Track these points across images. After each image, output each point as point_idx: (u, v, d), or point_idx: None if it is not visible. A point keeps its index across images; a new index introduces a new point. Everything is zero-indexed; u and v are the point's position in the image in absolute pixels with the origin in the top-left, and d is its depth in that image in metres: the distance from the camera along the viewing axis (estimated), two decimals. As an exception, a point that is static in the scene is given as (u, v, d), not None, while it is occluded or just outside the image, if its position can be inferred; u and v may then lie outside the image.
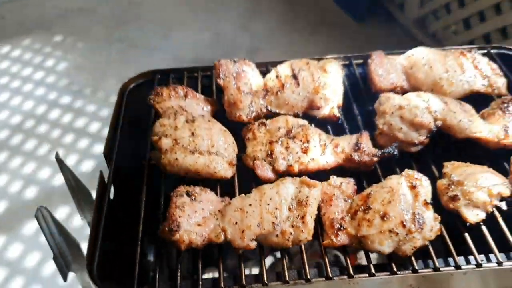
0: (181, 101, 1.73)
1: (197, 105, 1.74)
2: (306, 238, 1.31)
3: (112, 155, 1.63)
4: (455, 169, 1.44)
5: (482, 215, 1.36)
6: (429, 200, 1.34)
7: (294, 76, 1.72)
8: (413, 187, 1.34)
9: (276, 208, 1.33)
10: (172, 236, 1.29)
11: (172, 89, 1.74)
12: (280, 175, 1.50)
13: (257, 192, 1.38)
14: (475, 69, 1.76)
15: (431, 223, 1.31)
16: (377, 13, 4.94)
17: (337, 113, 1.70)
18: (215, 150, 1.53)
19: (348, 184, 1.43)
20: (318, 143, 1.54)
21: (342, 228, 1.32)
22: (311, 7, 5.14)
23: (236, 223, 1.32)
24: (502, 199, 1.39)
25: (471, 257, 1.32)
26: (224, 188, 1.52)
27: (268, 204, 1.34)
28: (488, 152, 1.57)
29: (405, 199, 1.32)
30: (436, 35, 4.54)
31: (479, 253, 1.30)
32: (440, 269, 1.28)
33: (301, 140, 1.54)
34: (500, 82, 1.75)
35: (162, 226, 1.32)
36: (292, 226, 1.31)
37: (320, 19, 4.98)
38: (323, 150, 1.53)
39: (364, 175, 1.52)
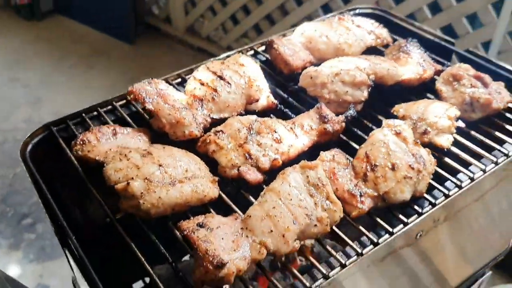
0: (113, 141, 1.48)
1: (132, 138, 1.51)
2: (339, 216, 1.27)
3: (65, 231, 1.31)
4: (409, 109, 1.56)
5: (451, 138, 1.51)
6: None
7: (221, 77, 1.63)
8: (398, 134, 1.41)
9: (301, 200, 1.26)
10: (219, 273, 1.11)
11: (97, 130, 1.48)
12: (265, 173, 1.42)
13: (270, 193, 1.28)
14: (359, 28, 1.93)
15: (428, 158, 1.40)
16: (148, 31, 5.24)
17: (274, 100, 1.68)
18: (190, 174, 1.36)
19: (338, 155, 1.42)
20: (285, 129, 1.50)
21: (362, 193, 1.32)
22: (77, 42, 5.14)
23: (271, 230, 1.20)
24: (456, 119, 1.56)
25: (461, 176, 1.45)
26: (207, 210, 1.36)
27: (291, 199, 1.25)
28: (410, 91, 1.74)
29: (399, 146, 1.39)
30: (210, 37, 4.98)
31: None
32: (450, 193, 1.38)
33: (268, 133, 1.47)
34: (384, 33, 1.95)
35: (200, 270, 1.12)
36: (325, 210, 1.26)
37: (92, 51, 5.01)
38: (295, 134, 1.49)
39: (333, 145, 1.53)
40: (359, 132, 1.58)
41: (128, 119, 1.64)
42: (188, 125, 1.50)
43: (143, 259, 1.23)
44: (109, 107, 1.71)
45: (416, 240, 1.37)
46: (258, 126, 1.50)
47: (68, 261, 1.38)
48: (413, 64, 1.74)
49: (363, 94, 1.62)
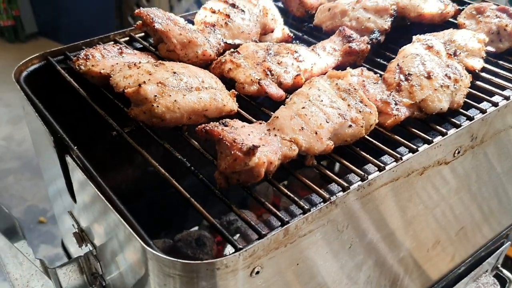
0: (119, 59, 1.35)
1: (139, 58, 1.39)
2: (375, 120, 1.15)
3: (66, 143, 1.16)
4: (436, 36, 1.47)
5: (482, 61, 1.42)
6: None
7: (233, 5, 1.53)
8: (430, 47, 1.32)
9: (333, 102, 1.14)
10: (249, 161, 0.97)
11: (102, 48, 1.36)
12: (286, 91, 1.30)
13: (298, 96, 1.15)
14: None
15: (463, 71, 1.30)
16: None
17: (289, 32, 1.58)
18: (207, 85, 1.23)
19: (366, 71, 1.31)
20: (306, 50, 1.39)
21: (397, 102, 1.21)
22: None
23: (302, 128, 1.07)
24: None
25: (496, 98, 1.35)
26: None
27: (322, 101, 1.13)
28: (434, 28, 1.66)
29: (432, 58, 1.29)
30: None
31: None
32: (487, 110, 1.28)
33: (288, 53, 1.37)
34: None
35: (226, 160, 0.98)
36: (360, 112, 1.14)
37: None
38: (317, 54, 1.38)
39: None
40: (383, 62, 1.48)
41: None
42: (201, 44, 1.38)
43: (157, 165, 1.08)
44: (111, 43, 1.58)
45: (454, 158, 1.25)
46: (276, 48, 1.39)
47: (67, 182, 1.22)
48: (433, 1, 1.66)
49: (386, 23, 1.53)
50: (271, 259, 0.95)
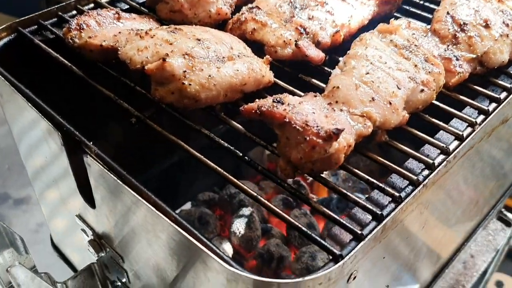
0: (119, 26, 1.10)
1: (140, 23, 1.14)
2: (443, 80, 1.00)
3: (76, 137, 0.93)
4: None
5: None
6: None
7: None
8: (478, -8, 1.16)
9: (397, 63, 0.97)
10: (329, 147, 0.80)
11: (96, 14, 1.10)
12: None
13: (355, 60, 0.97)
14: None
15: (517, 16, 1.17)
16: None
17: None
18: (237, 52, 1.03)
19: (412, 22, 1.15)
20: (337, 1, 1.20)
21: (458, 58, 1.06)
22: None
23: (373, 98, 0.90)
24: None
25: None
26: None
27: (385, 62, 0.96)
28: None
29: (484, 4, 1.14)
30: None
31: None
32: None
33: (316, 5, 1.17)
34: None
35: (299, 149, 0.80)
36: (429, 73, 0.98)
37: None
38: (351, 5, 1.20)
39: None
40: (419, 11, 1.31)
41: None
42: (213, 1, 1.16)
43: (205, 159, 0.89)
44: (91, 5, 1.31)
45: (513, 114, 1.14)
46: (300, 1, 1.18)
47: (81, 186, 1.00)
48: None
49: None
50: (365, 260, 0.80)
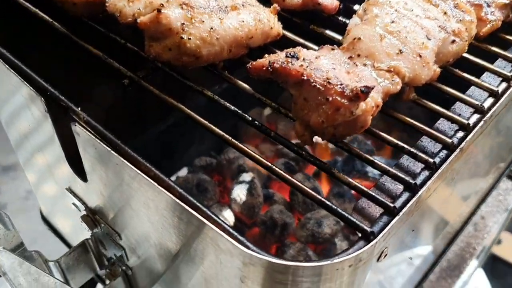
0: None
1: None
2: (475, 30, 0.89)
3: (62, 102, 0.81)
4: None
5: None
6: None
7: None
8: None
9: (424, 10, 0.85)
10: (356, 108, 0.69)
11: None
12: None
13: (379, 6, 0.85)
14: None
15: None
16: None
17: None
18: (240, 1, 0.90)
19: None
20: None
21: (490, 4, 0.94)
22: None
23: (401, 51, 0.79)
24: None
25: None
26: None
27: (412, 10, 0.85)
28: None
29: None
30: None
31: None
32: None
33: None
34: None
35: (321, 111, 0.69)
36: (460, 21, 0.86)
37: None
38: None
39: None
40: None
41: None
42: None
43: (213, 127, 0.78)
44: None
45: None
46: None
47: (69, 157, 0.89)
48: None
49: None
50: (395, 235, 0.71)
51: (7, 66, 0.85)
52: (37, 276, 0.74)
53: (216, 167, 1.77)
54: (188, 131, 1.71)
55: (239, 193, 1.66)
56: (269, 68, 0.74)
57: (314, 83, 0.69)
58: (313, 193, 0.68)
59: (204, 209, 0.62)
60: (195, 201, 0.65)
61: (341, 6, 0.98)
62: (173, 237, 0.74)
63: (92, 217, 0.96)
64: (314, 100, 0.70)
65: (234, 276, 0.66)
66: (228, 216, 1.65)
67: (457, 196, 1.06)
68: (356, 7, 0.99)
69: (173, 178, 1.74)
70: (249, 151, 0.74)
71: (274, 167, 0.72)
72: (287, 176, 0.70)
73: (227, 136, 0.76)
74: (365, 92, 0.66)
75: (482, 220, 1.82)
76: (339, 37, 0.91)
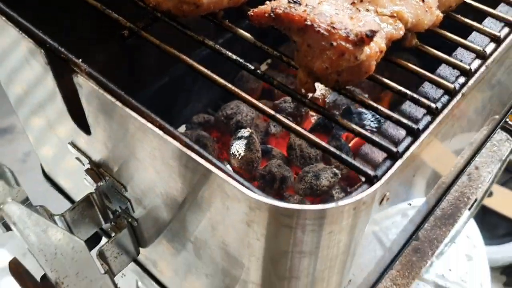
0: None
1: None
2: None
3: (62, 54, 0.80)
4: None
5: None
6: None
7: None
8: None
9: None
10: (361, 53, 0.69)
11: None
12: None
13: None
14: None
15: None
16: None
17: None
18: None
19: None
20: None
21: None
22: None
23: (402, -4, 0.78)
24: None
25: None
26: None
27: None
28: None
29: None
30: None
31: None
32: None
33: None
34: None
35: (325, 57, 0.69)
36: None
37: None
38: None
39: None
40: None
41: None
42: None
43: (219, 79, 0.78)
44: None
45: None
46: None
47: (72, 110, 0.88)
48: None
49: None
50: (397, 179, 0.72)
51: (3, 18, 0.84)
52: (45, 227, 0.75)
53: (214, 124, 1.78)
54: (186, 88, 1.71)
55: (238, 148, 1.66)
56: (272, 14, 0.73)
57: (318, 28, 0.69)
58: (316, 139, 0.69)
59: (210, 157, 0.63)
60: (201, 150, 0.66)
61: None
62: (179, 186, 0.75)
63: (97, 170, 0.96)
64: (318, 45, 0.70)
65: (240, 221, 0.67)
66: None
67: (453, 147, 1.08)
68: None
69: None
70: (252, 99, 0.75)
71: (277, 115, 0.72)
72: (289, 123, 0.71)
73: (230, 85, 0.76)
74: (370, 36, 0.66)
75: (476, 170, 1.85)
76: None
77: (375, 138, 0.69)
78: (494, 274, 3.46)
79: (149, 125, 0.68)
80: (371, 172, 0.65)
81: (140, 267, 1.20)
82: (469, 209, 2.01)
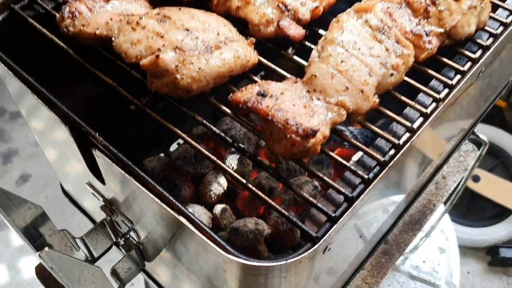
0: (109, 10, 1.16)
1: (130, 4, 1.20)
2: (412, 60, 1.10)
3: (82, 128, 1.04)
4: None
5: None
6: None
7: None
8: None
9: (370, 48, 1.06)
10: (307, 143, 0.92)
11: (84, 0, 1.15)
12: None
13: (332, 46, 1.06)
14: None
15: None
16: None
17: None
18: (223, 37, 1.10)
19: (385, -7, 1.20)
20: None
21: (428, 32, 1.14)
22: None
23: (347, 88, 1.01)
24: None
25: None
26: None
27: (359, 49, 1.05)
28: None
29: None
30: None
31: None
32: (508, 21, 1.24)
33: (297, -22, 1.21)
34: None
35: (282, 144, 0.93)
36: (399, 56, 1.07)
37: None
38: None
39: None
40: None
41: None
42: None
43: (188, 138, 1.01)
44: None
45: (478, 77, 1.24)
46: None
47: (91, 167, 1.12)
48: None
49: None
50: (338, 233, 0.96)
51: (34, 95, 1.07)
52: (71, 264, 1.00)
53: (211, 136, 2.00)
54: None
55: (231, 162, 1.90)
56: (244, 106, 0.96)
57: (276, 123, 0.92)
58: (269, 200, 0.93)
59: (198, 221, 0.87)
60: (189, 215, 0.90)
61: (307, 32, 1.17)
62: (170, 236, 1.00)
63: (109, 207, 1.21)
64: (277, 134, 0.93)
65: (218, 266, 0.92)
66: (222, 182, 1.90)
67: (421, 158, 1.29)
68: (320, 31, 1.19)
69: (174, 147, 1.98)
70: (227, 167, 0.98)
71: (249, 185, 0.95)
72: (259, 193, 0.95)
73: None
74: (313, 134, 0.89)
75: (443, 179, 2.09)
76: (305, 62, 1.12)
77: (319, 204, 0.92)
78: (480, 255, 3.74)
79: (151, 195, 0.92)
80: (312, 233, 0.89)
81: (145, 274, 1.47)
82: (444, 203, 2.25)
